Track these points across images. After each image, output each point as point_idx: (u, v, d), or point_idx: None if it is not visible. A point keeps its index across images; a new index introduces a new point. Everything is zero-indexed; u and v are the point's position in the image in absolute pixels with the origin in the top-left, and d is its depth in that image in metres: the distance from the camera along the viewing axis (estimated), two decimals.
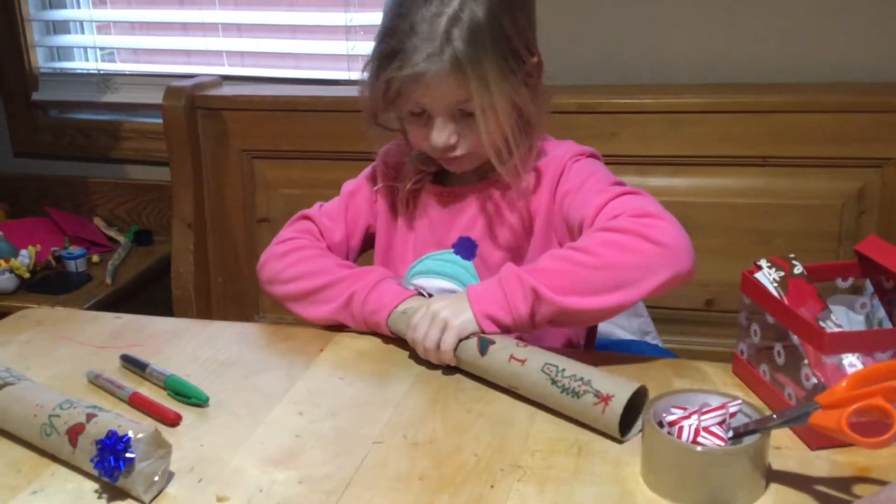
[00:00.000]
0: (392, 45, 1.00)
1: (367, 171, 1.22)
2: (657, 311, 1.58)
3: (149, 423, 0.83)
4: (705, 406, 0.79)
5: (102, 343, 1.09)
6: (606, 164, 1.58)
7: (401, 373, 1.00)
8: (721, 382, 0.96)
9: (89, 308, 1.70)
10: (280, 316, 1.80)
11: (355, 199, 1.20)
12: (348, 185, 1.22)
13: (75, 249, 1.88)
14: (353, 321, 1.07)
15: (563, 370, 0.89)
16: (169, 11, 2.06)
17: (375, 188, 1.19)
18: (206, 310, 1.80)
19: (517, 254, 1.13)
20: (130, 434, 0.78)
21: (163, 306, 1.81)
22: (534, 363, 0.91)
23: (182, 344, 1.08)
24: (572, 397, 0.86)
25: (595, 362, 1.01)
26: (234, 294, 1.82)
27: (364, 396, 0.95)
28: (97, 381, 0.98)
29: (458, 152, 1.06)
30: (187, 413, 0.92)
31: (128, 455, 0.77)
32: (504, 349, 0.94)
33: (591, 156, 1.15)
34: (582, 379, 0.87)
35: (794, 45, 1.62)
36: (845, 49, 1.60)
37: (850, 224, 1.52)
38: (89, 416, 0.82)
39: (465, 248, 1.14)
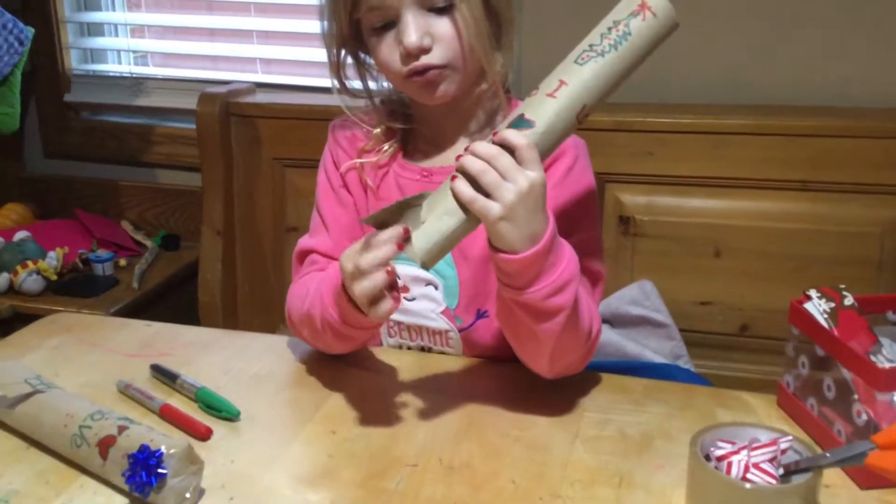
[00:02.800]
0: None
1: (323, 158, 1.12)
2: (690, 334, 1.56)
3: (181, 438, 0.82)
4: (755, 441, 0.76)
5: (132, 351, 1.08)
6: (642, 183, 1.58)
7: (434, 392, 0.98)
8: (765, 415, 0.93)
9: (116, 312, 1.69)
10: None
11: (337, 195, 1.09)
12: (320, 190, 1.12)
13: (103, 253, 1.87)
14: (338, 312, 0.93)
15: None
16: (203, 17, 2.05)
17: (342, 170, 1.08)
18: (231, 317, 1.78)
19: None
20: (163, 449, 0.76)
21: (189, 312, 1.79)
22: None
23: (213, 355, 1.07)
24: (622, 39, 0.82)
25: (632, 387, 0.99)
26: (260, 302, 1.81)
27: (397, 417, 0.93)
28: (127, 391, 0.96)
29: (433, 59, 0.95)
30: (218, 427, 0.90)
31: (160, 470, 0.76)
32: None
33: (584, 154, 1.06)
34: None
35: (837, 68, 1.60)
36: (889, 73, 1.57)
37: (891, 252, 1.49)
38: (121, 429, 0.80)
39: None
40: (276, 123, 1.74)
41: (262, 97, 1.82)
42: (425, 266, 0.83)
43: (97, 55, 2.17)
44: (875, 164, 1.46)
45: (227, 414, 0.92)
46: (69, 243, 1.89)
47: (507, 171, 0.81)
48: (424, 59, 0.95)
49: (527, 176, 0.81)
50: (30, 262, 1.75)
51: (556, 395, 0.97)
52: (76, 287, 1.79)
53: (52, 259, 1.79)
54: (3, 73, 1.91)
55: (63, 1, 2.10)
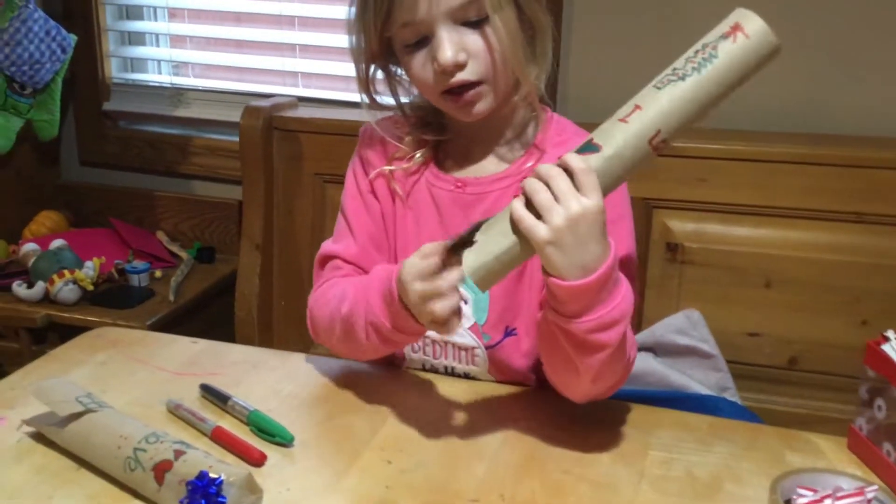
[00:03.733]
0: None
1: (352, 162, 1.09)
2: (737, 366, 1.52)
3: (240, 465, 0.79)
4: (839, 490, 0.73)
5: (179, 369, 1.05)
6: (691, 210, 1.55)
7: (492, 424, 0.95)
8: (836, 459, 0.90)
9: (152, 325, 1.67)
10: None
11: (364, 201, 1.07)
12: (347, 195, 1.09)
13: (139, 263, 1.85)
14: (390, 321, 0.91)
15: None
16: (246, 29, 2.04)
17: (371, 176, 1.06)
18: (267, 332, 1.76)
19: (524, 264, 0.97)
20: (223, 477, 0.74)
21: (224, 326, 1.77)
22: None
23: (262, 376, 1.05)
24: (707, 63, 0.78)
25: (696, 424, 0.96)
26: (295, 318, 1.78)
27: (455, 447, 0.91)
28: (177, 412, 0.94)
29: (469, 75, 0.93)
30: (271, 452, 0.88)
31: (219, 499, 0.73)
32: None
33: None
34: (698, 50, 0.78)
35: (893, 98, 1.56)
36: None
37: None
38: (177, 453, 0.78)
39: None
40: (318, 138, 1.72)
41: (304, 112, 1.80)
42: (477, 285, 0.80)
43: (137, 64, 2.16)
44: None
45: (280, 439, 0.89)
46: (105, 253, 1.87)
47: (561, 194, 0.78)
48: (459, 76, 0.93)
49: (580, 202, 0.78)
50: (66, 272, 1.73)
51: (617, 430, 0.94)
52: (112, 298, 1.77)
53: (89, 269, 1.77)
54: (44, 80, 1.91)
55: (105, 9, 2.09)
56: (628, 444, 0.91)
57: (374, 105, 1.04)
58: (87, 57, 2.07)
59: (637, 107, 0.80)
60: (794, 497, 0.73)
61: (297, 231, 1.76)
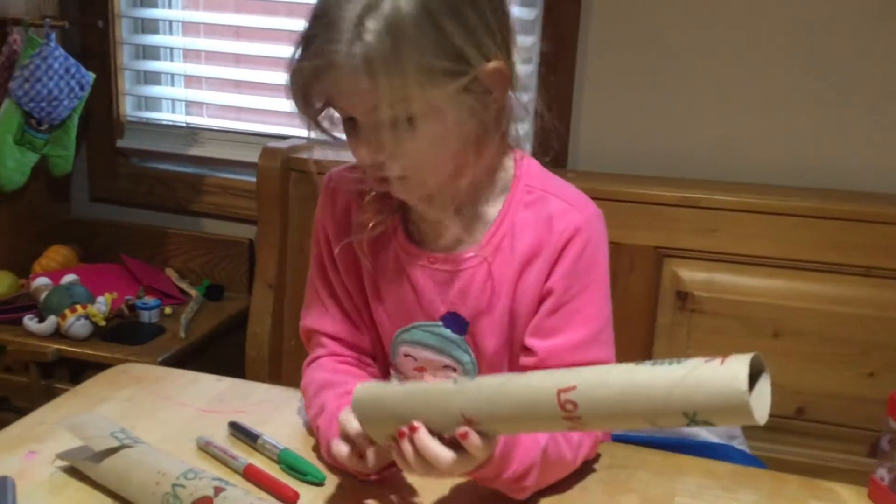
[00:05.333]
0: (306, 31, 0.85)
1: (315, 225, 1.05)
2: None
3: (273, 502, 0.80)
4: None
5: (206, 406, 1.06)
6: (702, 259, 1.58)
7: None
8: None
9: (163, 361, 1.68)
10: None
11: (331, 276, 1.03)
12: (314, 265, 1.05)
13: (150, 300, 1.86)
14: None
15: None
16: (259, 72, 2.08)
17: (336, 250, 1.00)
18: (277, 370, 1.77)
19: (510, 337, 0.98)
20: None
21: (234, 364, 1.77)
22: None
23: (288, 415, 1.06)
24: (670, 363, 0.63)
25: (720, 472, 0.97)
26: (304, 357, 1.79)
27: (484, 493, 0.91)
28: (208, 449, 0.95)
29: (389, 172, 0.87)
30: (303, 491, 0.88)
31: None
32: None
33: (597, 231, 0.97)
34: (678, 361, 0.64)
35: None
36: None
37: None
38: (217, 490, 0.79)
39: (455, 323, 0.99)
40: None
41: (319, 153, 1.82)
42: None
43: (152, 103, 2.19)
44: None
45: (312, 478, 0.90)
46: (116, 288, 1.88)
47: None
48: (381, 173, 0.88)
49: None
50: (79, 307, 1.74)
51: (643, 475, 0.95)
52: (123, 334, 1.78)
53: (102, 304, 1.78)
54: (62, 116, 1.94)
55: (123, 49, 2.12)
56: (654, 489, 0.93)
57: (329, 140, 0.95)
58: (103, 94, 2.10)
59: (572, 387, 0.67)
60: None
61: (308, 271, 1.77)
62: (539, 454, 0.85)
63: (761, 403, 0.62)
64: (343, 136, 0.92)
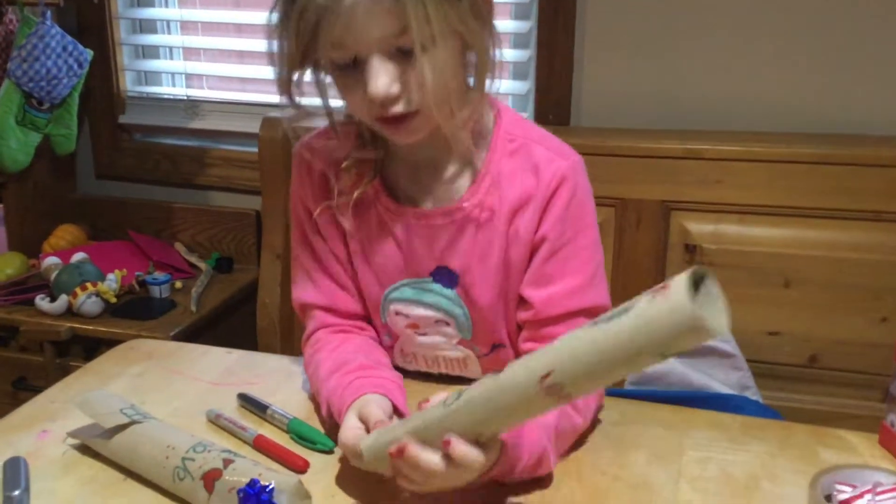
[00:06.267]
0: None
1: (291, 196, 1.04)
2: (757, 365, 1.53)
3: (289, 473, 0.81)
4: (879, 485, 0.74)
5: (216, 379, 1.07)
6: (709, 211, 1.56)
7: None
8: (869, 454, 0.91)
9: (175, 336, 1.69)
10: None
11: (314, 246, 1.03)
12: (295, 238, 1.05)
13: (160, 275, 1.87)
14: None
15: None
16: (258, 41, 2.06)
17: (316, 213, 1.00)
18: (288, 341, 1.78)
19: (504, 288, 0.98)
20: (274, 484, 0.75)
21: (245, 335, 1.79)
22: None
23: (297, 384, 1.06)
24: (620, 315, 0.64)
25: (728, 423, 0.97)
26: None
27: None
28: (218, 421, 0.96)
29: (401, 107, 0.86)
30: (313, 459, 0.89)
31: None
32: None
33: (582, 178, 0.97)
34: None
35: None
36: None
37: None
38: (226, 462, 0.80)
39: (445, 277, 0.99)
40: None
41: (321, 122, 1.81)
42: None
43: (151, 77, 2.18)
44: None
45: (321, 446, 0.91)
46: (125, 265, 1.89)
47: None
48: (393, 108, 0.87)
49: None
50: (89, 285, 1.75)
51: (652, 430, 0.96)
52: (135, 310, 1.78)
53: (112, 281, 1.79)
54: (62, 95, 1.93)
55: (120, 23, 2.11)
56: (663, 444, 0.93)
57: (298, 108, 0.95)
58: (102, 71, 2.09)
59: (550, 372, 0.68)
60: (834, 493, 0.75)
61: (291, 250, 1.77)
62: (549, 437, 0.85)
63: (715, 313, 0.63)
64: (312, 101, 0.93)
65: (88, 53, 1.94)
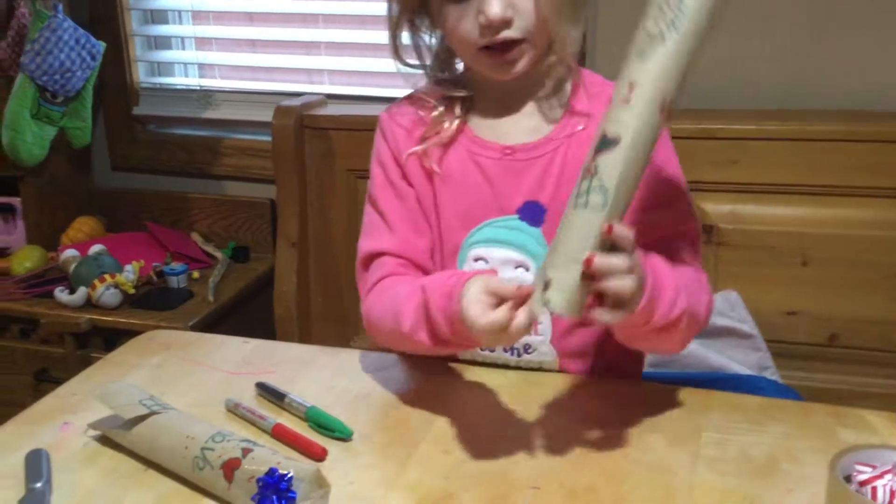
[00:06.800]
0: None
1: (376, 153, 1.08)
2: (776, 345, 1.53)
3: (307, 461, 0.81)
4: None
5: (234, 369, 1.07)
6: (726, 192, 1.55)
7: (545, 412, 0.96)
8: (889, 434, 0.90)
9: (193, 326, 1.70)
10: None
11: (396, 190, 1.05)
12: (376, 188, 1.07)
13: (177, 265, 1.88)
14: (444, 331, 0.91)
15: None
16: (271, 29, 2.06)
17: (404, 158, 1.04)
18: (306, 329, 1.79)
19: None
20: (293, 473, 0.76)
21: (263, 324, 1.80)
22: None
23: (315, 372, 1.07)
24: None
25: (747, 404, 0.97)
26: (333, 314, 1.81)
27: (510, 436, 0.92)
28: (237, 411, 0.96)
29: (513, 32, 0.92)
30: (331, 447, 0.89)
31: (290, 494, 0.75)
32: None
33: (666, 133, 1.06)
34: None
35: None
36: None
37: None
38: (245, 451, 0.80)
39: (532, 213, 1.01)
40: (349, 135, 1.74)
41: (333, 109, 1.82)
42: (570, 314, 0.79)
43: (164, 68, 2.19)
44: None
45: (339, 434, 0.91)
46: (143, 256, 1.90)
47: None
48: (504, 33, 0.93)
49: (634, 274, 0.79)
50: (107, 276, 1.76)
51: (669, 413, 0.95)
52: (153, 300, 1.80)
53: (130, 272, 1.80)
54: (76, 87, 1.94)
55: (131, 14, 2.11)
56: (681, 426, 0.92)
57: (403, 62, 1.06)
58: (115, 63, 2.10)
59: (632, 85, 0.78)
60: (854, 474, 0.74)
61: (331, 227, 1.78)
62: (682, 282, 0.89)
63: None
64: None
65: (101, 45, 1.95)
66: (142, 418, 0.87)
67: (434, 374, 1.05)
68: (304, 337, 1.77)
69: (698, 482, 0.83)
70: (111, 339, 1.75)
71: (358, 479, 0.85)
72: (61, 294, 1.78)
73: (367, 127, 1.71)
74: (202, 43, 2.15)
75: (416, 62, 1.06)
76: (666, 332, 0.88)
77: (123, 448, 0.89)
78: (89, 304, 1.77)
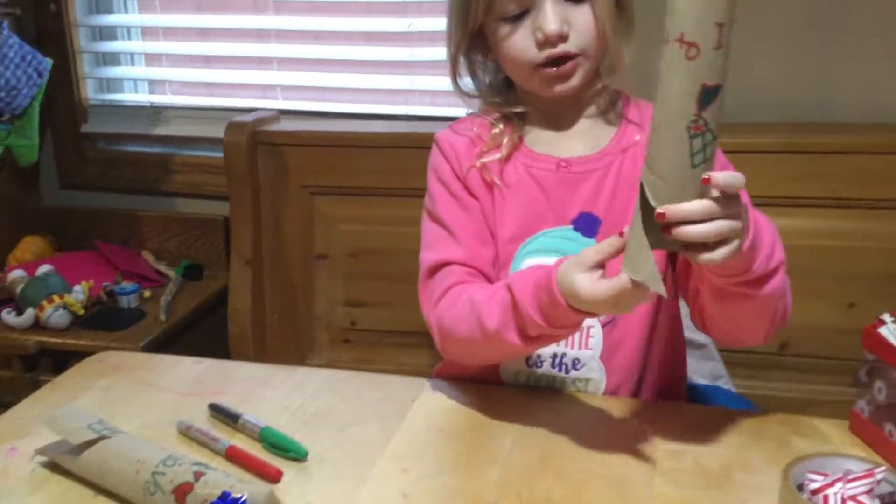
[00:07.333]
0: None
1: (434, 170, 1.08)
2: (729, 354, 1.54)
3: (260, 483, 0.80)
4: (849, 473, 0.75)
5: (186, 390, 1.06)
6: None
7: (501, 425, 0.96)
8: (840, 441, 0.92)
9: (145, 346, 1.67)
10: (336, 355, 1.77)
11: (461, 203, 1.05)
12: (438, 203, 1.06)
13: (128, 285, 1.85)
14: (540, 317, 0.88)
15: None
16: (222, 44, 2.04)
17: (471, 166, 1.04)
18: (261, 348, 1.77)
19: None
20: (246, 496, 0.74)
21: (217, 343, 1.78)
22: None
23: (269, 391, 1.05)
24: None
25: (702, 415, 0.97)
26: (289, 331, 1.79)
27: (467, 451, 0.92)
28: (189, 433, 0.94)
29: (570, 46, 0.96)
30: (286, 468, 0.88)
31: None
32: None
33: None
34: None
35: (878, 85, 1.59)
36: None
37: None
38: (197, 475, 0.79)
39: (587, 224, 1.03)
40: (302, 151, 1.73)
41: (287, 124, 1.80)
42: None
43: (113, 85, 2.16)
44: None
45: (294, 454, 0.90)
46: (92, 276, 1.86)
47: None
48: (561, 47, 0.96)
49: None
50: (56, 297, 1.73)
51: (625, 425, 0.96)
52: (103, 321, 1.76)
53: (79, 293, 1.76)
54: (22, 105, 1.89)
55: (79, 31, 2.08)
56: (637, 438, 0.93)
57: (460, 91, 1.08)
58: (63, 80, 2.06)
59: (721, 25, 0.73)
60: (806, 482, 0.75)
61: (286, 244, 1.77)
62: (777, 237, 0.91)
63: None
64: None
65: (48, 62, 1.91)
66: (91, 443, 0.85)
67: (390, 389, 1.05)
68: (260, 355, 1.75)
69: (654, 493, 0.83)
70: (60, 361, 1.71)
71: (314, 501, 0.84)
72: (8, 316, 1.74)
73: (320, 142, 1.73)
74: (152, 59, 2.13)
75: (473, 89, 1.08)
76: (761, 289, 0.87)
77: (72, 474, 0.87)
78: (37, 326, 1.73)
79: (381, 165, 1.70)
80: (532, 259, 1.03)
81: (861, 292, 1.51)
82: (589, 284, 0.83)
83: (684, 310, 1.08)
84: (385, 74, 1.92)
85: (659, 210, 0.76)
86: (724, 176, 0.76)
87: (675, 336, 1.12)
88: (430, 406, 1.01)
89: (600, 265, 0.84)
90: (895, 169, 1.47)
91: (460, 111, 1.13)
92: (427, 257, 1.05)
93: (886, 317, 0.91)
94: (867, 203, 1.49)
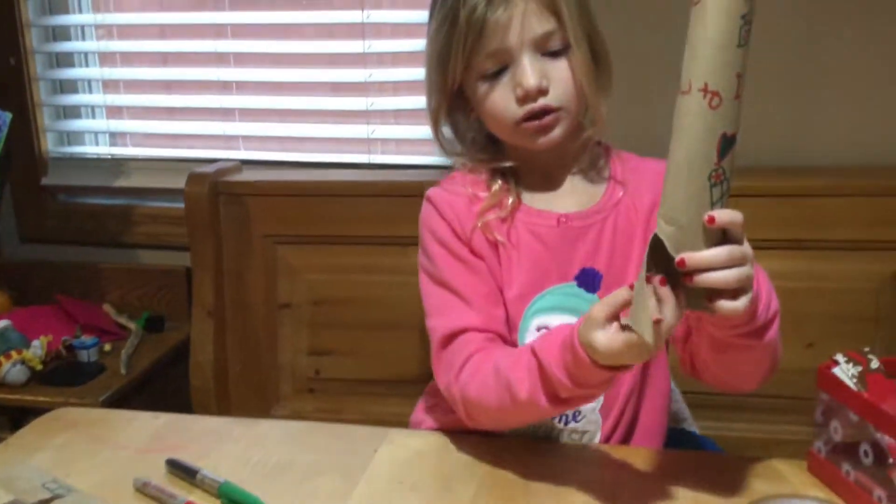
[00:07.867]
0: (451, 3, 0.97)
1: (433, 233, 1.06)
2: (691, 395, 1.55)
3: None
4: None
5: (144, 446, 1.04)
6: None
7: (463, 475, 0.96)
8: (799, 482, 0.93)
9: (105, 400, 1.64)
10: (301, 405, 1.75)
11: (467, 265, 1.04)
12: (442, 268, 1.04)
13: (87, 339, 1.82)
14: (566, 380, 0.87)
15: None
16: (183, 97, 2.05)
17: (474, 226, 1.03)
18: (225, 400, 1.74)
19: None
20: None
21: (179, 396, 1.75)
22: None
23: (229, 445, 1.04)
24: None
25: (662, 459, 0.98)
26: (253, 381, 1.77)
27: (430, 500, 0.91)
28: (146, 490, 0.93)
29: (549, 100, 0.97)
30: None
31: None
32: None
33: None
34: None
35: (826, 127, 1.63)
36: (880, 132, 1.61)
37: (887, 307, 1.51)
38: None
39: (589, 279, 1.04)
40: (265, 201, 1.73)
41: (249, 175, 1.81)
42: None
43: (74, 137, 2.15)
44: (868, 221, 1.48)
45: None
46: (52, 330, 1.83)
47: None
48: (541, 101, 0.97)
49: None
50: (14, 353, 1.70)
51: (587, 469, 0.96)
52: (62, 376, 1.73)
53: (37, 348, 1.73)
54: None
55: (39, 84, 2.08)
56: (599, 483, 0.93)
57: (444, 148, 1.09)
58: (23, 133, 2.05)
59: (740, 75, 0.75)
60: None
61: (248, 294, 1.76)
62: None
63: None
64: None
65: (7, 116, 1.90)
66: (45, 502, 0.84)
67: (350, 440, 1.04)
68: (223, 408, 1.73)
69: None
70: (18, 417, 1.67)
71: None
72: None
73: (282, 192, 1.73)
74: (113, 111, 2.12)
75: (458, 149, 1.09)
76: (761, 339, 0.89)
77: None
78: None
79: (344, 214, 1.70)
80: (540, 318, 1.04)
81: (818, 332, 1.52)
82: (604, 336, 0.82)
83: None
84: (346, 124, 1.94)
85: (679, 257, 0.76)
86: (727, 213, 0.78)
87: (665, 380, 1.15)
88: (391, 456, 1.01)
89: (614, 318, 0.83)
90: (848, 210, 1.50)
91: (423, 159, 1.15)
92: (439, 325, 1.02)
93: (840, 357, 0.93)
94: (821, 244, 1.52)
